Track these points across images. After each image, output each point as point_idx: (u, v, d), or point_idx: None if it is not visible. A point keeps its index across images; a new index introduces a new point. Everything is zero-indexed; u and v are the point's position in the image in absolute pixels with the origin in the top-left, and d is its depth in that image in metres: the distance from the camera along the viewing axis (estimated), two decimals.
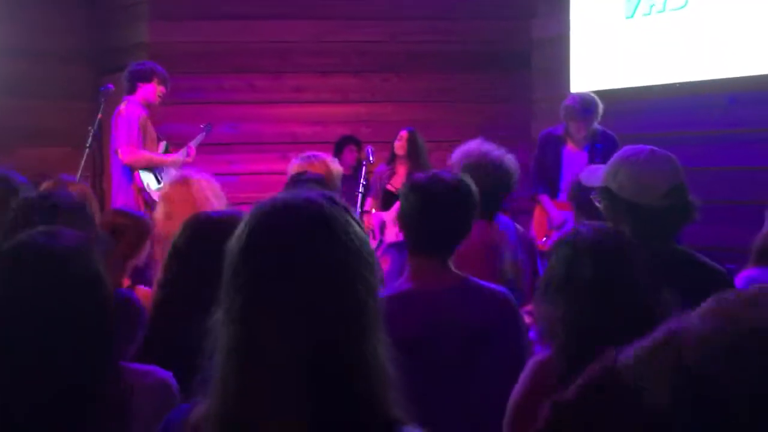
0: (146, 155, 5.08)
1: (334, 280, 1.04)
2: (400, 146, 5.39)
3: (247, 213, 1.10)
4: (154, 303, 1.89)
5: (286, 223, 1.06)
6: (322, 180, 2.84)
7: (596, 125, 4.80)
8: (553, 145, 4.93)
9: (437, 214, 2.09)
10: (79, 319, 1.41)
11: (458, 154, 2.99)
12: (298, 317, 1.02)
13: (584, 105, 4.66)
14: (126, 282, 2.67)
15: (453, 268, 2.13)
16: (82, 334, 1.41)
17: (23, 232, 1.52)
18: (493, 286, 2.15)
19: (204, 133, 5.59)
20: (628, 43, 5.70)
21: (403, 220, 2.14)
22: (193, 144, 5.49)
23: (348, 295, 1.04)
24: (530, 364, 1.72)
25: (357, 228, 1.09)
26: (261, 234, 1.07)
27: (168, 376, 1.57)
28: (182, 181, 2.55)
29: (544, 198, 4.96)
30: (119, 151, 5.05)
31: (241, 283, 1.05)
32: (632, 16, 5.71)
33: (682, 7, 5.43)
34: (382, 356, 1.04)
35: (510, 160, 2.93)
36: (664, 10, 5.53)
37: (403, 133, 5.41)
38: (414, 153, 5.33)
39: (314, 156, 3.24)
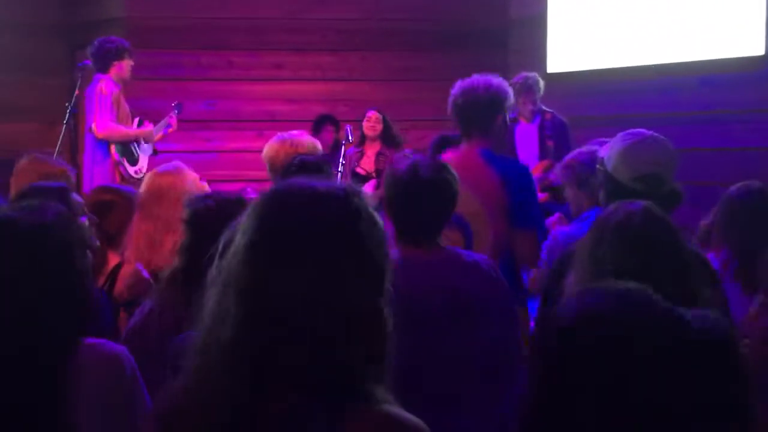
0: (120, 128, 5.07)
1: (343, 276, 1.05)
2: (370, 127, 5.37)
3: (258, 200, 1.10)
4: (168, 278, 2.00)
5: (306, 216, 1.07)
6: (322, 165, 2.84)
7: (545, 107, 5.22)
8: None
9: (420, 204, 2.10)
10: (47, 290, 1.38)
11: None
12: (303, 308, 1.04)
13: (527, 81, 5.16)
14: (117, 258, 2.66)
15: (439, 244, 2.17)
16: (50, 306, 1.38)
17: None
18: (474, 254, 2.20)
19: (176, 112, 5.49)
20: (605, 24, 5.75)
21: (389, 209, 2.15)
22: (165, 123, 5.40)
23: (356, 288, 1.06)
24: None
25: (379, 222, 1.11)
26: (278, 225, 1.07)
27: (120, 350, 1.52)
28: (175, 171, 2.74)
29: None
30: (94, 125, 5.02)
31: (245, 269, 1.06)
32: None
33: None
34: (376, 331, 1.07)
35: None
36: None
37: (372, 114, 5.38)
38: (385, 132, 5.33)
39: (295, 136, 3.20)
